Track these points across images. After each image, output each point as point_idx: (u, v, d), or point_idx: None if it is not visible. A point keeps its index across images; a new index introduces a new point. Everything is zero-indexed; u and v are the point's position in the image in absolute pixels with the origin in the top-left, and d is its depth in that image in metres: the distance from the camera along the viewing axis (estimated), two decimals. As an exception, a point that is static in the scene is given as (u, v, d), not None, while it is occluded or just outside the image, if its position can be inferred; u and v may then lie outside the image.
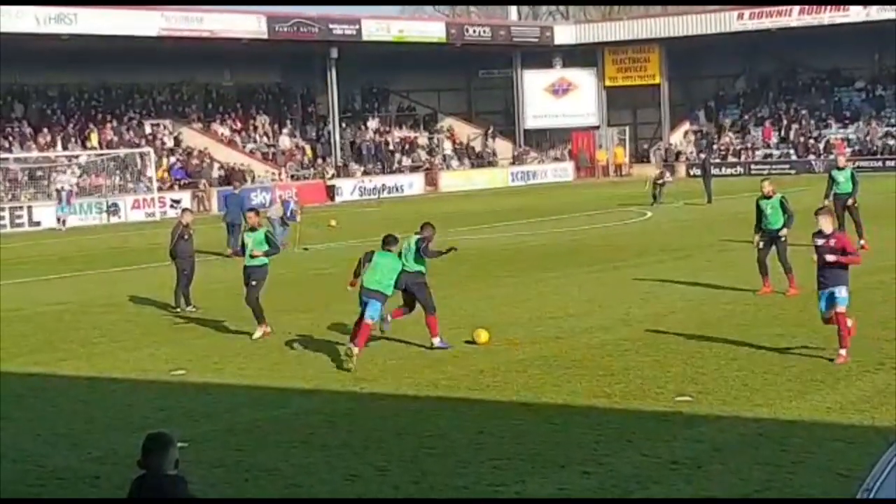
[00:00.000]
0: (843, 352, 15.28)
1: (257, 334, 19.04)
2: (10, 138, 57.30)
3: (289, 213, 34.30)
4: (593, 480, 11.04)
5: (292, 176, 62.69)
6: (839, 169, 29.58)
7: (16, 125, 58.53)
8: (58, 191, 51.95)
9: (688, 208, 44.82)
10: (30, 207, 51.45)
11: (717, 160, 68.94)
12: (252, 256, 19.45)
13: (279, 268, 30.16)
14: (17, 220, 50.45)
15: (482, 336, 17.70)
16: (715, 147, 72.32)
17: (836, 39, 67.99)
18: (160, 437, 7.28)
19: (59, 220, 50.03)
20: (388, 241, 17.39)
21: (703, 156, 62.86)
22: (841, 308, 15.22)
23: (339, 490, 11.12)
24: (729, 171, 68.32)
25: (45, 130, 58.50)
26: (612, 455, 11.75)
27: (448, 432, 12.92)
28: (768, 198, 21.99)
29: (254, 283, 19.38)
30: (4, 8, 51.19)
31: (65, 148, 57.93)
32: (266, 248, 19.52)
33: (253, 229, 20.04)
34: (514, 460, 11.74)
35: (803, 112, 72.98)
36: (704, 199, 45.64)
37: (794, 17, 68.56)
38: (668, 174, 50.05)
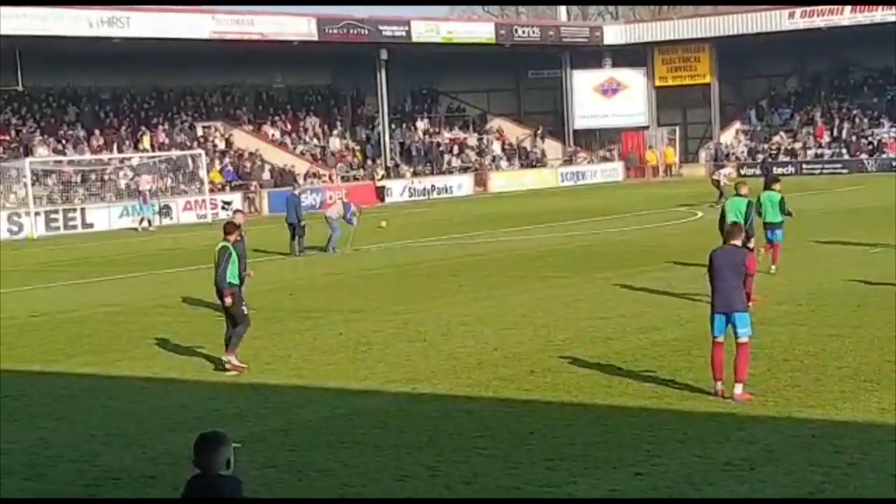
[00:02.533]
0: None
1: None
2: (64, 141, 57.87)
3: (348, 216, 34.36)
4: (645, 482, 11.01)
5: (342, 177, 62.89)
6: None
7: (69, 128, 59.11)
8: (139, 192, 52.20)
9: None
10: (83, 209, 51.91)
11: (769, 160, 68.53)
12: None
13: (329, 269, 30.39)
14: (71, 223, 50.92)
15: None
16: (766, 147, 71.86)
17: (888, 37, 67.33)
18: (212, 436, 7.25)
19: (142, 220, 50.17)
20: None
21: (761, 156, 62.56)
22: None
23: (390, 490, 11.15)
24: (780, 170, 67.73)
25: (98, 133, 59.03)
26: (664, 456, 11.71)
27: (499, 433, 12.92)
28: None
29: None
30: (58, 11, 51.73)
31: (118, 150, 58.44)
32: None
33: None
34: (565, 461, 11.73)
35: (855, 111, 72.37)
36: None
37: (846, 16, 67.95)
38: (724, 172, 49.82)
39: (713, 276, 13.98)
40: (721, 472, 11.16)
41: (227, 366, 16.93)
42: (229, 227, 18.06)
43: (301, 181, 58.01)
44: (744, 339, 13.83)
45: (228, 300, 17.13)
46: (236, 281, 17.34)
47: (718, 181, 46.77)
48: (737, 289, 13.86)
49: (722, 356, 13.91)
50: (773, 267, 23.79)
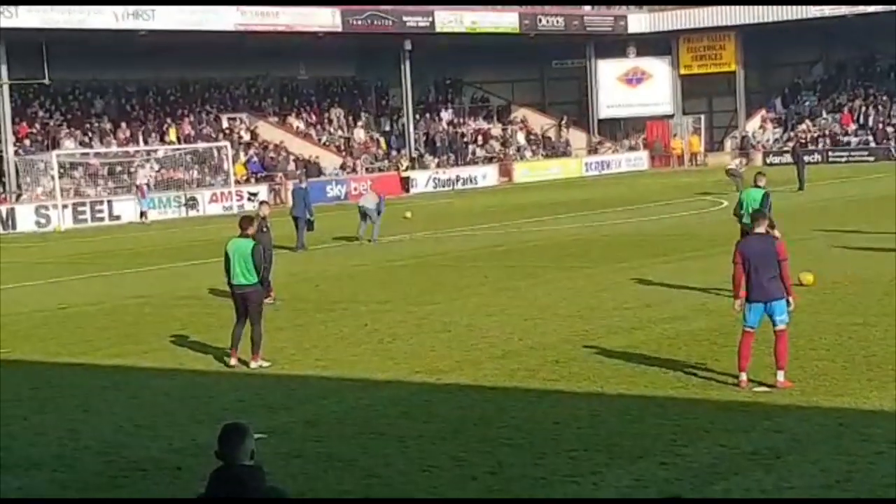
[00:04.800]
0: None
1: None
2: (91, 133, 58.11)
3: (382, 207, 34.26)
4: (671, 471, 11.00)
5: (367, 168, 62.95)
6: None
7: (95, 121, 59.35)
8: (137, 186, 52.61)
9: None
10: (110, 202, 52.16)
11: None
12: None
13: (356, 259, 30.43)
14: (98, 215, 51.17)
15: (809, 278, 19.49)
16: (793, 135, 71.54)
17: (914, 24, 66.90)
18: (236, 428, 7.27)
19: (141, 214, 50.65)
20: None
21: (791, 144, 62.37)
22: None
23: (416, 481, 11.17)
24: (806, 158, 67.43)
25: (125, 125, 59.27)
26: (689, 446, 11.70)
27: (524, 423, 12.93)
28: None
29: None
30: (84, 5, 51.91)
31: (144, 143, 58.66)
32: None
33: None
34: (590, 451, 11.73)
35: (882, 98, 71.94)
36: (796, 187, 45.39)
37: (871, 3, 67.50)
38: (736, 163, 49.75)
39: (746, 268, 13.85)
40: (747, 461, 11.14)
41: (253, 365, 16.85)
42: (245, 223, 17.34)
43: (326, 173, 58.16)
44: (782, 327, 13.77)
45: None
46: (256, 279, 17.17)
47: (734, 170, 46.83)
48: (773, 278, 13.73)
49: (750, 347, 13.87)
50: None
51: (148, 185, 53.10)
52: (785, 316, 13.82)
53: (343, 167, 62.04)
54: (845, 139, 70.50)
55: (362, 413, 13.94)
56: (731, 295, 14.61)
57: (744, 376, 13.85)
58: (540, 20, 71.28)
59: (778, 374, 13.74)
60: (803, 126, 72.45)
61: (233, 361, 17.07)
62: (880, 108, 71.25)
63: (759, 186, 22.45)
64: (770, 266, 13.76)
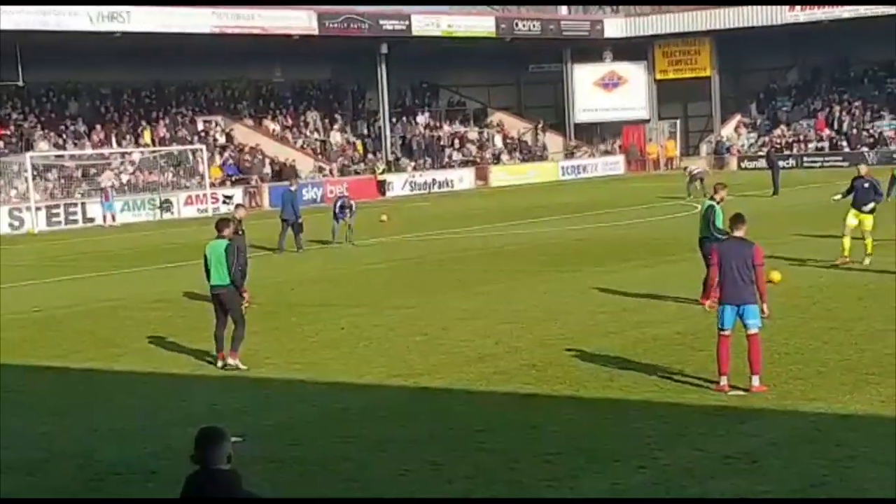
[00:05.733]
0: None
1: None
2: (65, 136, 57.85)
3: (337, 209, 34.57)
4: (647, 475, 11.01)
5: (342, 171, 62.86)
6: None
7: (70, 123, 59.09)
8: (102, 189, 52.29)
9: (744, 201, 44.48)
10: (83, 204, 51.89)
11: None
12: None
13: (330, 263, 30.38)
14: (72, 217, 50.93)
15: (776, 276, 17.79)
16: (767, 140, 71.82)
17: (888, 30, 67.24)
18: (212, 431, 7.25)
19: (105, 218, 50.34)
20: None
21: (766, 149, 62.83)
22: None
23: (392, 485, 11.15)
24: (781, 163, 67.70)
25: (99, 128, 59.02)
26: (665, 450, 11.71)
27: (501, 427, 12.92)
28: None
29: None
30: (58, 6, 51.69)
31: (118, 145, 58.43)
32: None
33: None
34: (567, 455, 11.72)
35: (856, 104, 72.30)
36: (771, 191, 45.75)
37: (847, 8, 67.87)
38: (696, 166, 50.22)
39: (721, 270, 13.93)
40: (723, 465, 11.16)
41: (230, 362, 16.87)
42: (222, 225, 17.43)
43: (303, 176, 58.01)
44: (754, 331, 13.82)
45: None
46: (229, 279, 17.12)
47: (695, 173, 47.48)
48: (747, 282, 13.81)
49: (729, 349, 13.89)
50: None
51: (113, 187, 52.74)
52: (757, 320, 13.86)
53: (320, 170, 61.93)
54: (820, 144, 70.82)
55: (338, 417, 13.91)
56: (711, 306, 14.72)
57: (724, 381, 13.85)
58: (516, 24, 71.39)
59: (752, 379, 13.77)
60: (778, 131, 72.78)
61: (220, 364, 17.01)
62: (855, 112, 71.60)
63: (712, 198, 21.08)
64: (746, 270, 13.84)
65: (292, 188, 35.40)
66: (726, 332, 13.93)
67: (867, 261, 23.71)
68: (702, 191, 45.96)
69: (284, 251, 32.86)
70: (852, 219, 24.39)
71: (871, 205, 24.44)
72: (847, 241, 24.04)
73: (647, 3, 74.58)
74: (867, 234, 24.14)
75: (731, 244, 14.28)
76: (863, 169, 25.53)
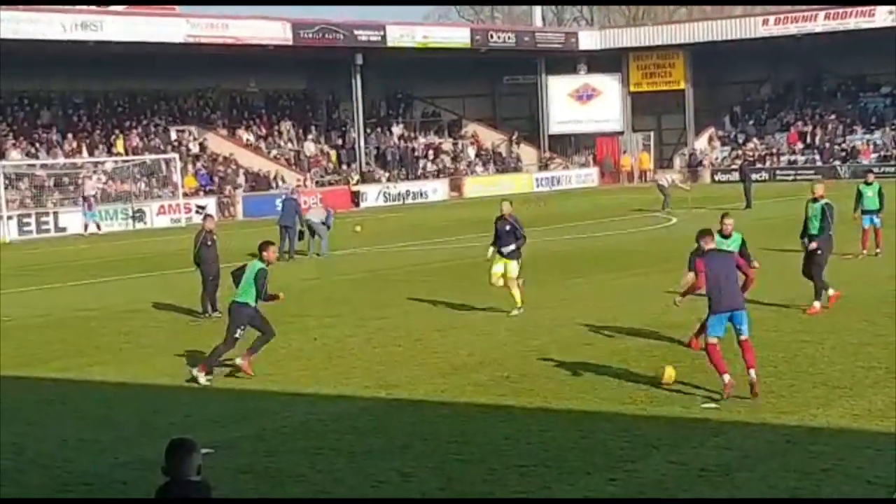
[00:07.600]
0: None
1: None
2: (37, 145, 57.57)
3: (329, 221, 34.51)
4: (619, 487, 11.01)
5: (317, 182, 62.78)
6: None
7: (42, 132, 58.81)
8: (85, 198, 52.06)
9: (717, 214, 44.65)
10: (56, 213, 51.63)
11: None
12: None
13: (305, 273, 30.30)
14: (44, 227, 50.66)
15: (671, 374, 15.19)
16: (741, 153, 72.11)
17: (861, 45, 67.62)
18: (182, 443, 7.29)
19: (86, 227, 50.15)
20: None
21: (738, 162, 63.10)
22: None
23: (364, 496, 11.13)
24: (754, 176, 67.96)
25: (72, 137, 58.76)
26: (638, 462, 11.72)
27: (474, 438, 12.90)
28: (816, 201, 21.98)
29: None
30: (31, 15, 51.46)
31: (91, 154, 58.16)
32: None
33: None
34: (539, 466, 11.72)
35: (829, 117, 72.69)
36: (743, 205, 45.87)
37: (820, 23, 68.26)
38: (666, 178, 50.32)
39: (710, 280, 14.20)
40: (696, 477, 11.18)
41: (194, 373, 16.68)
42: (262, 246, 17.05)
43: (278, 185, 57.88)
44: (746, 336, 14.23)
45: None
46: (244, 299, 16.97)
47: (663, 186, 47.59)
48: (735, 288, 14.36)
49: (720, 352, 14.16)
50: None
51: (95, 196, 52.57)
52: (747, 325, 14.25)
53: (296, 181, 61.80)
54: (792, 158, 71.14)
55: (311, 428, 13.86)
56: (679, 301, 15.63)
57: (727, 378, 14.03)
58: (491, 36, 71.51)
59: (749, 373, 14.04)
60: (751, 144, 73.05)
61: (239, 360, 16.89)
62: (828, 126, 71.97)
63: (817, 199, 21.75)
64: (732, 277, 14.36)
65: (294, 196, 35.55)
66: (713, 341, 14.18)
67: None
68: (667, 201, 46.23)
69: (294, 257, 33.35)
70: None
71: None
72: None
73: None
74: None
75: (712, 255, 14.71)
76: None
